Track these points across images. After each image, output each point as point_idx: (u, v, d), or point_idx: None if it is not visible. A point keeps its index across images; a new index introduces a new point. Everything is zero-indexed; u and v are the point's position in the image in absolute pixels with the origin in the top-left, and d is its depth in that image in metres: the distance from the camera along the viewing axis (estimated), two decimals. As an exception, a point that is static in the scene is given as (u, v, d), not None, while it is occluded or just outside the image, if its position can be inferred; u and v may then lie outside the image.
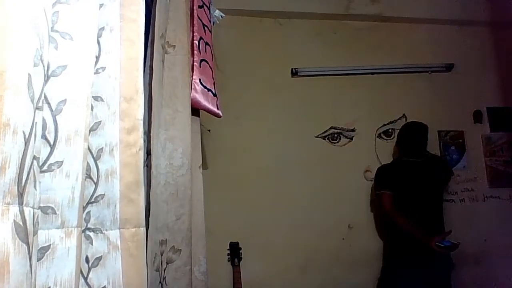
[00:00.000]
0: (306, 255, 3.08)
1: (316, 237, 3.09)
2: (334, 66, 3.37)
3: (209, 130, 3.03)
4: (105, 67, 1.06)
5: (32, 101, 0.69)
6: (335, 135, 3.30)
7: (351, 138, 3.30)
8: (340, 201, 3.17)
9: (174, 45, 1.79)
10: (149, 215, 1.34)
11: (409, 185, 2.89)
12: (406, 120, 3.31)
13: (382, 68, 3.39)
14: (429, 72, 3.44)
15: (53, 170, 0.83)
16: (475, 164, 3.34)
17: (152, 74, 1.53)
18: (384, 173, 3.03)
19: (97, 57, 1.04)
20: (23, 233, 0.64)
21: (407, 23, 3.48)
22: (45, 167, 0.82)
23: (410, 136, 3.07)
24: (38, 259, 0.77)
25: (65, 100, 0.87)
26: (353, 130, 3.30)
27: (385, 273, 2.94)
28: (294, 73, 3.33)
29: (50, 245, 0.81)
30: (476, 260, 3.09)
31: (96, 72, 1.03)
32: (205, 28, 2.14)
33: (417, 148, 3.04)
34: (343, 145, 3.29)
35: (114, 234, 1.01)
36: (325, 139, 3.29)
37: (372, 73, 3.39)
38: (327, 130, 3.30)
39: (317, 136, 3.29)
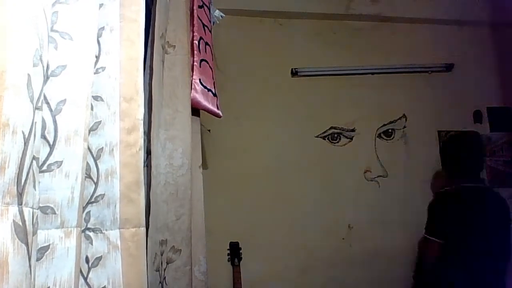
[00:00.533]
0: (306, 255, 3.07)
1: (316, 237, 3.09)
2: (334, 66, 3.37)
3: (209, 130, 3.03)
4: (105, 67, 1.06)
5: (32, 101, 0.69)
6: (335, 135, 3.30)
7: (351, 138, 3.30)
8: (340, 201, 3.17)
9: (174, 45, 1.79)
10: (149, 215, 1.34)
11: (475, 225, 2.26)
12: (406, 120, 3.31)
13: (382, 68, 3.38)
14: (429, 72, 3.44)
15: (53, 170, 0.83)
16: (475, 164, 3.34)
17: (152, 74, 1.53)
18: (442, 210, 2.38)
19: (97, 57, 1.04)
20: (23, 233, 0.64)
21: (407, 23, 3.48)
22: (44, 167, 0.82)
23: (469, 153, 2.49)
24: (38, 259, 0.77)
25: (65, 100, 0.87)
26: (353, 130, 3.30)
27: None
28: (294, 73, 3.33)
29: (49, 245, 0.81)
30: (476, 260, 3.08)
31: (96, 72, 1.03)
32: (205, 28, 2.14)
33: (477, 169, 2.48)
34: (343, 145, 3.29)
35: (114, 234, 1.01)
36: (325, 139, 3.29)
37: (372, 73, 3.39)
38: (327, 130, 3.29)
39: (317, 136, 3.28)
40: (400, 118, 3.32)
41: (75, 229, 0.85)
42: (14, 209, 0.63)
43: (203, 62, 2.04)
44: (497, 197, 2.39)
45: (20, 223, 0.64)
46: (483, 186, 2.48)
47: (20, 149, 0.65)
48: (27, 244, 0.64)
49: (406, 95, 3.37)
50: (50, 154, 0.83)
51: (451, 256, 2.24)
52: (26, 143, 0.66)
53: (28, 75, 0.68)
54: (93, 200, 1.00)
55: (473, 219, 2.24)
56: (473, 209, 2.28)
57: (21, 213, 0.64)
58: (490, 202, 2.35)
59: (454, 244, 2.23)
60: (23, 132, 0.66)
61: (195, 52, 1.98)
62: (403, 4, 3.42)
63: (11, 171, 0.63)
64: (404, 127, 3.32)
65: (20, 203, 0.64)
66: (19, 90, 0.66)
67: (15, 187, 0.64)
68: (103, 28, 1.07)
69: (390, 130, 3.32)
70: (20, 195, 0.64)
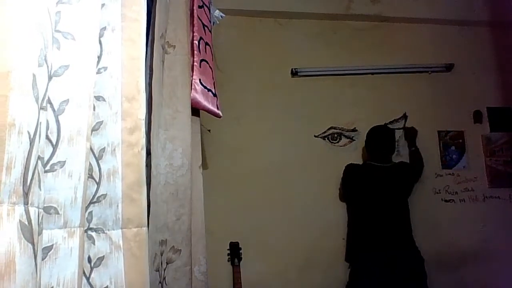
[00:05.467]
0: (306, 255, 3.07)
1: (316, 237, 3.09)
2: (334, 66, 3.37)
3: (209, 130, 3.02)
4: (106, 67, 1.06)
5: (37, 101, 0.69)
6: (335, 135, 3.29)
7: (352, 138, 3.29)
8: (340, 201, 3.17)
9: (174, 45, 1.79)
10: (148, 215, 1.34)
11: (372, 191, 2.95)
12: (406, 120, 3.31)
13: (382, 68, 3.38)
14: (429, 72, 3.44)
15: (56, 170, 0.83)
16: (475, 164, 3.34)
17: (152, 74, 1.53)
18: (349, 175, 3.08)
19: (99, 57, 1.04)
20: (29, 232, 0.64)
21: (407, 23, 3.48)
22: (47, 167, 0.82)
23: (376, 140, 3.10)
24: (41, 259, 0.77)
25: (68, 100, 0.87)
26: (353, 130, 3.30)
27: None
28: (294, 73, 3.33)
29: (53, 245, 0.81)
30: (476, 260, 3.09)
31: (98, 72, 1.03)
32: (205, 28, 2.14)
33: (383, 152, 3.08)
34: (343, 145, 3.29)
35: (116, 234, 1.01)
36: (325, 139, 3.28)
37: (372, 73, 3.39)
38: (327, 130, 3.29)
39: (317, 136, 3.28)
40: (400, 118, 3.31)
41: (78, 229, 0.85)
42: (20, 209, 0.63)
43: (203, 62, 2.04)
44: (399, 167, 3.11)
45: (26, 223, 0.64)
46: (387, 164, 3.08)
47: (26, 149, 0.65)
48: (33, 244, 0.65)
49: (406, 95, 3.37)
50: (53, 154, 0.83)
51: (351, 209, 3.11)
52: (31, 143, 0.66)
53: (34, 75, 0.68)
54: (95, 200, 1.00)
55: (370, 183, 2.98)
56: (371, 177, 3.01)
57: (27, 212, 0.64)
58: (390, 172, 3.02)
59: (354, 200, 3.08)
60: (28, 132, 0.66)
61: (195, 52, 1.98)
62: (403, 4, 3.42)
63: (17, 171, 0.63)
64: (405, 127, 3.32)
65: (26, 203, 0.64)
66: (24, 90, 0.66)
67: (21, 187, 0.64)
68: (104, 28, 1.07)
69: (390, 130, 3.32)
70: (26, 194, 0.64)
